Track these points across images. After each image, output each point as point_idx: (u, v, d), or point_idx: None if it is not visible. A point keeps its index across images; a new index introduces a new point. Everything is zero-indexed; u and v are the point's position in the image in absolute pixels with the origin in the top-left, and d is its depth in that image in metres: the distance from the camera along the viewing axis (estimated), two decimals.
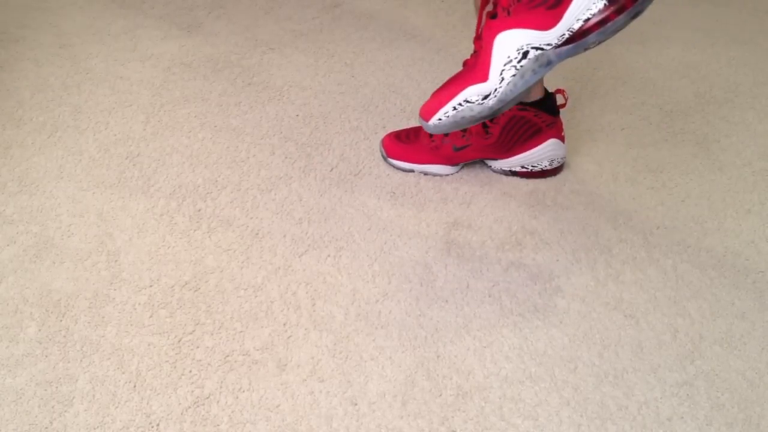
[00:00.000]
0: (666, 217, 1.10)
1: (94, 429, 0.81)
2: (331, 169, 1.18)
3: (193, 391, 0.85)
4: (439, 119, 0.83)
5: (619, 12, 0.73)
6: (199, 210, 1.10)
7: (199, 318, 0.93)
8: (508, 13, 0.77)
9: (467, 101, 0.81)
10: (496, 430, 0.82)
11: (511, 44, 0.76)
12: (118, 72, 1.42)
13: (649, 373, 0.88)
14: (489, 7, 0.83)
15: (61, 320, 0.93)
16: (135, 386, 0.85)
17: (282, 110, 1.32)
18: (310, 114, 1.31)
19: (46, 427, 0.81)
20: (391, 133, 1.19)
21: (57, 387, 0.85)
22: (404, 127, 1.24)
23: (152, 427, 0.81)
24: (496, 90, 0.79)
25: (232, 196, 1.12)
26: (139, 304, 0.95)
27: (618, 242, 1.05)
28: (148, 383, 0.86)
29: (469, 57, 0.86)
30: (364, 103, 1.34)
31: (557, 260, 1.02)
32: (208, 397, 0.84)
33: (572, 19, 0.74)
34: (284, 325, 0.93)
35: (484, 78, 0.79)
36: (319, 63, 1.46)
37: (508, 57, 0.77)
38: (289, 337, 0.91)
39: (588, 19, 0.73)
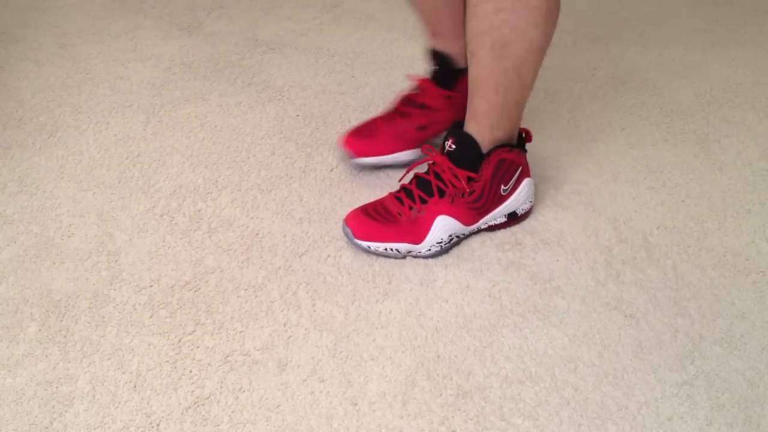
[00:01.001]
0: (666, 217, 1.10)
1: (95, 429, 0.81)
2: (332, 170, 1.18)
3: (193, 391, 0.85)
4: (369, 247, 1.01)
5: (510, 223, 1.07)
6: (200, 210, 1.10)
7: (199, 318, 0.93)
8: (452, 200, 1.02)
9: (397, 249, 1.01)
10: (496, 430, 0.82)
11: (445, 230, 1.02)
12: (118, 72, 1.42)
13: (649, 373, 0.88)
14: (422, 168, 1.10)
15: (61, 320, 0.93)
16: (135, 386, 0.85)
17: (282, 110, 1.32)
18: (310, 114, 1.31)
19: (46, 427, 0.81)
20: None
21: (57, 387, 0.85)
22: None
23: (152, 427, 0.81)
24: (420, 252, 1.02)
25: (232, 196, 1.12)
26: (139, 304, 0.95)
27: (618, 242, 1.05)
28: (148, 383, 0.86)
29: (403, 190, 1.04)
30: (364, 103, 1.34)
31: (557, 260, 1.02)
32: (208, 397, 0.84)
33: (485, 222, 1.05)
34: (284, 325, 0.93)
35: (418, 242, 1.01)
36: (319, 63, 1.46)
37: (441, 239, 1.02)
38: (289, 337, 0.91)
39: (494, 224, 1.06)
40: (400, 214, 1.02)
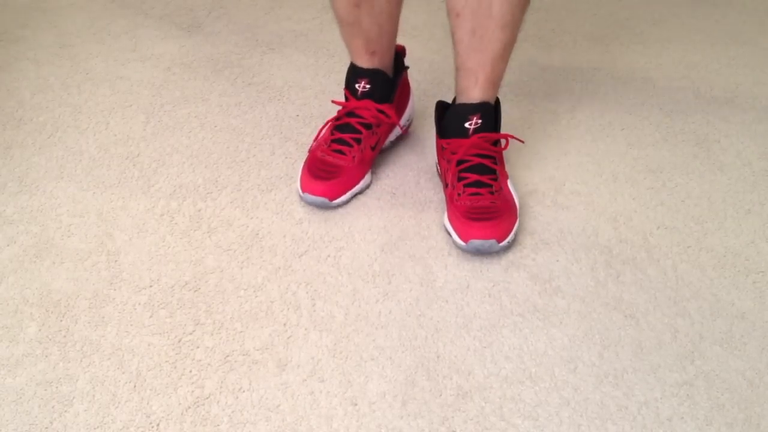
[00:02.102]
0: (666, 217, 1.10)
1: (94, 429, 0.81)
2: None
3: (193, 391, 0.85)
4: (509, 242, 1.03)
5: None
6: (200, 210, 1.10)
7: (199, 318, 0.93)
8: (501, 166, 1.09)
9: (516, 233, 1.05)
10: (496, 430, 0.82)
11: (513, 189, 1.10)
12: (118, 72, 1.42)
13: (649, 373, 0.88)
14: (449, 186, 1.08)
15: (61, 320, 0.93)
16: (135, 386, 0.85)
17: (282, 110, 1.32)
18: (310, 114, 1.31)
19: (46, 427, 0.81)
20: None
21: (57, 387, 0.85)
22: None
23: (152, 427, 0.81)
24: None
25: (232, 196, 1.12)
26: (139, 304, 0.95)
27: (618, 242, 1.05)
28: (148, 383, 0.86)
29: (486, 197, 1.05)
30: None
31: (557, 260, 1.02)
32: (208, 397, 0.84)
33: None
34: (284, 325, 0.93)
35: (516, 214, 1.06)
36: (319, 63, 1.46)
37: (518, 199, 1.09)
38: (289, 337, 0.91)
39: None
40: (493, 203, 1.04)
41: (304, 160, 1.14)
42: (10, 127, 1.27)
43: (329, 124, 1.15)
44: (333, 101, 1.17)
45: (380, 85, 1.13)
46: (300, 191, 1.10)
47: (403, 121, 1.21)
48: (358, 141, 1.12)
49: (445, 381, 0.86)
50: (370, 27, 1.09)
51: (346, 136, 1.12)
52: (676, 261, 1.03)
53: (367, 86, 1.12)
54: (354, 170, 1.11)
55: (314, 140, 1.17)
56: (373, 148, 1.14)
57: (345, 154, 1.11)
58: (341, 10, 1.09)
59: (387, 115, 1.13)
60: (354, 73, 1.13)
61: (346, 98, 1.15)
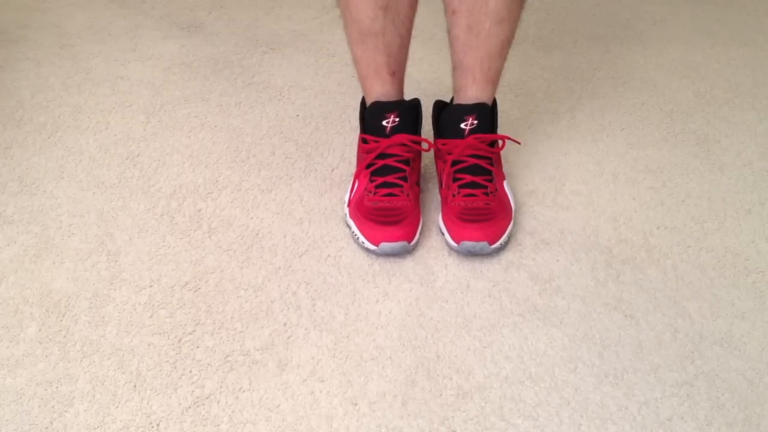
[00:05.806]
0: (666, 217, 1.10)
1: (94, 429, 0.81)
2: (332, 170, 1.18)
3: (193, 391, 0.85)
4: (502, 244, 1.02)
5: None
6: (200, 210, 1.10)
7: (199, 318, 0.93)
8: (497, 167, 1.08)
9: (510, 234, 1.04)
10: (496, 430, 0.82)
11: (510, 191, 1.10)
12: (118, 72, 1.42)
13: (649, 373, 0.88)
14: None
15: (61, 320, 0.93)
16: (135, 386, 0.85)
17: (282, 110, 1.32)
18: (310, 114, 1.31)
19: (46, 427, 0.81)
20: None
21: (57, 387, 0.85)
22: None
23: (152, 427, 0.81)
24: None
25: (232, 196, 1.12)
26: (139, 304, 0.95)
27: (618, 242, 1.05)
28: (148, 383, 0.86)
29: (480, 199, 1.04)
30: None
31: (557, 260, 1.02)
32: (208, 397, 0.84)
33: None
34: (284, 325, 0.93)
35: (511, 215, 1.05)
36: (319, 63, 1.46)
37: (514, 201, 1.08)
38: (289, 337, 0.91)
39: None
40: (488, 204, 1.02)
41: (344, 219, 1.07)
42: (10, 127, 1.27)
43: (361, 172, 1.07)
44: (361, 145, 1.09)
45: (410, 116, 1.06)
46: (371, 246, 1.00)
47: None
48: (404, 179, 1.04)
49: (445, 381, 0.86)
50: (392, 39, 1.03)
51: (389, 179, 1.04)
52: (676, 261, 1.03)
53: (397, 119, 1.04)
54: (413, 207, 1.04)
55: (351, 193, 1.08)
56: (417, 184, 1.08)
57: (398, 195, 1.03)
58: (365, 17, 1.00)
59: (424, 144, 1.07)
60: (379, 109, 1.05)
61: (365, 141, 1.07)
